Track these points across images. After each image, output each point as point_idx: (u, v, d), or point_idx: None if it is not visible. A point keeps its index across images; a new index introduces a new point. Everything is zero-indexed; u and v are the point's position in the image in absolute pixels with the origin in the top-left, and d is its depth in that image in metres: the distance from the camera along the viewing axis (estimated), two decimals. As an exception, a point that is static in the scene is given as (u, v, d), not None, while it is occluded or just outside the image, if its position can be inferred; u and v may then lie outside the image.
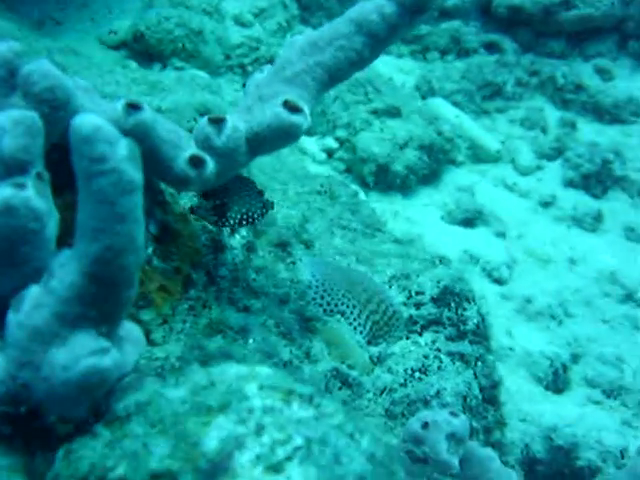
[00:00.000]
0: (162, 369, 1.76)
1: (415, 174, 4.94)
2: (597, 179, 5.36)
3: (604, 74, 6.25)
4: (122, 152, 1.15)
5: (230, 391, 1.22)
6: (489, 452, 1.93)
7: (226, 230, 2.11)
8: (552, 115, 5.95)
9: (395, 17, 1.91)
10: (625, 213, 5.17)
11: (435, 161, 5.09)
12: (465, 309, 2.53)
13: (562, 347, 4.02)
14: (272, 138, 1.82)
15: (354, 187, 4.22)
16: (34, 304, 1.24)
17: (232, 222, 1.96)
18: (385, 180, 4.88)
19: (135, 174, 1.17)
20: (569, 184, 5.38)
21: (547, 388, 3.73)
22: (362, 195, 4.36)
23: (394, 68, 5.89)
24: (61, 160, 1.55)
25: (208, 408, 1.20)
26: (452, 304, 2.51)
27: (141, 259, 1.25)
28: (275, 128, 1.80)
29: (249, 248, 2.18)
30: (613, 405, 3.78)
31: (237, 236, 2.16)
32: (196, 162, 1.75)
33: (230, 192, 1.96)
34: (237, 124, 1.80)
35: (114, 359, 1.22)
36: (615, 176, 5.39)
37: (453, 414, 1.85)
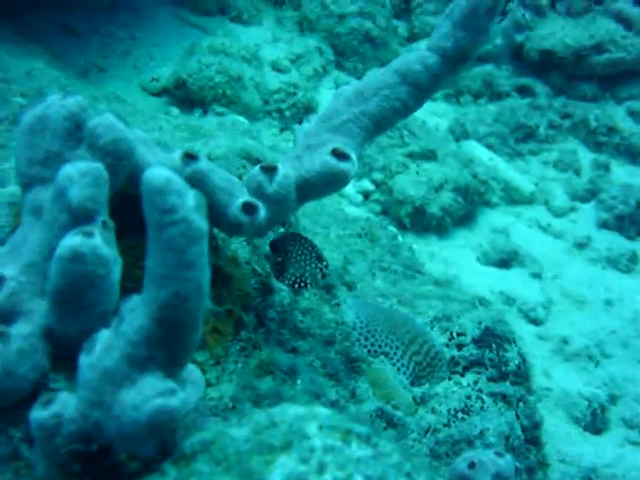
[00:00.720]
0: (216, 409, 1.81)
1: (451, 216, 5.00)
2: (631, 220, 5.39)
3: (637, 117, 6.29)
4: (191, 203, 1.22)
5: (291, 431, 1.27)
6: (534, 493, 1.97)
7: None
8: (585, 157, 6.00)
9: (437, 67, 1.98)
10: (661, 253, 5.20)
11: (470, 203, 5.14)
12: (506, 350, 2.57)
13: (599, 388, 4.04)
14: (321, 185, 1.88)
15: (391, 229, 4.29)
16: (105, 347, 1.30)
17: (287, 282, 2.04)
18: (421, 222, 4.94)
19: (202, 223, 1.23)
20: (603, 225, 5.41)
21: (585, 429, 3.74)
22: (399, 237, 4.42)
23: (427, 111, 5.97)
24: (120, 206, 1.63)
25: (271, 447, 1.25)
26: (493, 345, 2.55)
27: (205, 304, 1.31)
28: (324, 175, 1.87)
29: (295, 291, 2.24)
30: (652, 446, 3.79)
31: (284, 279, 2.21)
32: (249, 209, 1.82)
33: (289, 253, 2.04)
34: (287, 172, 1.87)
35: (181, 399, 1.27)
36: (650, 217, 5.43)
37: (499, 454, 1.89)
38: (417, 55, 1.99)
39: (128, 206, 1.61)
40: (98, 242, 1.43)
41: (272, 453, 1.23)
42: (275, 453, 1.23)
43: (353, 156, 1.88)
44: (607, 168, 5.90)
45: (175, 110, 4.80)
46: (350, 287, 2.64)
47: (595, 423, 3.80)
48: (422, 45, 2.02)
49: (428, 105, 6.13)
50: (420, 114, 5.75)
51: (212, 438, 1.30)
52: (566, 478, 3.31)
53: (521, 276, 4.79)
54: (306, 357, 2.13)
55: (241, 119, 4.63)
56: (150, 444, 1.29)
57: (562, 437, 3.50)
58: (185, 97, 4.99)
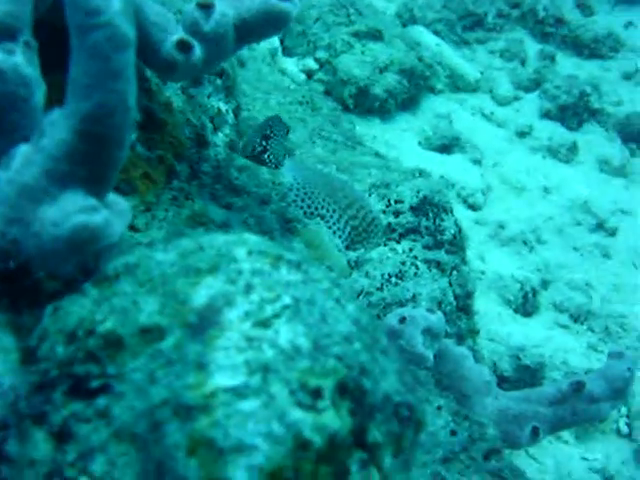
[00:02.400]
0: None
1: (394, 98, 4.91)
2: (574, 111, 5.38)
3: (585, 9, 6.26)
4: (117, 6, 1.14)
5: (219, 254, 1.23)
6: (463, 350, 1.97)
7: (210, 127, 2.11)
8: (532, 48, 5.96)
9: None
10: (600, 145, 5.21)
11: (415, 87, 5.06)
12: (443, 219, 2.55)
13: (533, 272, 4.07)
14: (260, 25, 1.80)
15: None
16: (24, 162, 1.24)
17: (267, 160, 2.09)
18: (364, 103, 4.85)
19: (129, 29, 1.16)
20: (546, 115, 5.40)
21: (516, 311, 3.78)
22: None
23: (376, -6, 5.85)
24: (47, 41, 1.54)
25: (197, 270, 1.21)
26: (430, 214, 2.53)
27: (132, 120, 1.24)
28: (264, 14, 1.79)
29: (232, 147, 2.18)
30: (580, 330, 3.85)
31: (220, 134, 2.15)
32: (183, 47, 1.74)
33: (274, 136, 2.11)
34: (226, 10, 1.78)
35: (104, 217, 1.22)
36: (592, 109, 5.41)
37: (430, 310, 1.88)
38: None
39: (56, 40, 1.52)
40: (20, 60, 1.35)
41: (198, 276, 1.19)
42: (201, 275, 1.19)
43: (294, -4, 1.80)
44: (553, 59, 5.87)
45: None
46: (288, 154, 2.58)
47: (526, 306, 3.84)
48: None
49: (376, -12, 6.04)
50: (367, -2, 5.64)
51: (136, 261, 1.25)
52: (494, 356, 3.35)
53: (461, 162, 4.77)
54: (240, 214, 2.08)
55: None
56: (70, 262, 1.23)
57: (493, 318, 3.53)
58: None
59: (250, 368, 1.07)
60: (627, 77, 5.82)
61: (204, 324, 1.12)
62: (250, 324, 1.11)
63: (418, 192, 2.53)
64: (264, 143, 2.17)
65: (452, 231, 2.55)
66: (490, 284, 3.78)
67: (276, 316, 1.13)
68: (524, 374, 3.38)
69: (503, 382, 3.37)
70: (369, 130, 4.63)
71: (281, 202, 2.20)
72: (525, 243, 4.28)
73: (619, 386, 1.99)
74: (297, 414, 1.05)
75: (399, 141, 4.69)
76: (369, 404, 1.14)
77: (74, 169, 1.23)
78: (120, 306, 1.18)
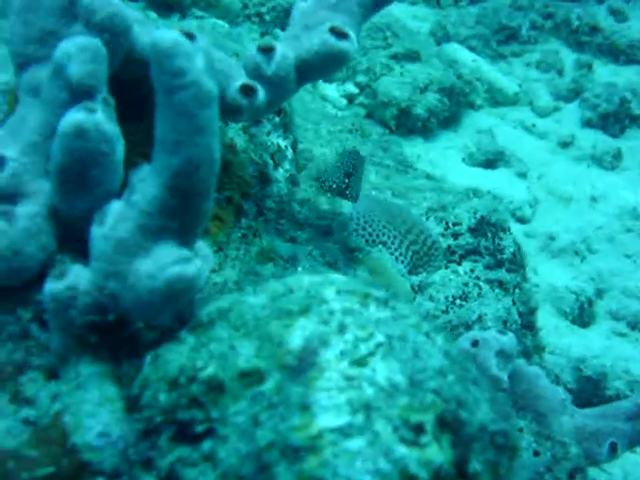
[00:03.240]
0: (221, 293, 1.81)
1: (436, 117, 4.94)
2: (615, 118, 5.39)
3: (618, 15, 6.25)
4: (200, 65, 1.19)
5: (309, 296, 1.27)
6: (536, 370, 1.99)
7: (271, 163, 2.15)
8: (568, 57, 5.97)
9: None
10: (644, 151, 5.21)
11: (455, 104, 5.09)
12: (501, 238, 2.58)
13: (586, 282, 4.08)
14: (320, 64, 1.85)
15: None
16: (118, 217, 1.28)
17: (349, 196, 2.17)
18: (406, 124, 4.88)
19: (212, 86, 1.21)
20: (587, 124, 5.41)
21: (573, 322, 3.79)
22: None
23: (408, 15, 5.88)
24: (115, 91, 1.59)
25: (289, 312, 1.24)
26: (489, 234, 2.56)
27: (217, 171, 1.29)
28: (323, 54, 1.84)
29: (292, 181, 2.23)
30: (638, 337, 3.85)
31: (281, 170, 2.20)
32: (247, 91, 1.79)
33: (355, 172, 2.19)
34: (286, 52, 1.83)
35: (197, 267, 1.26)
36: (633, 115, 5.41)
37: (501, 332, 1.91)
38: None
39: (123, 91, 1.58)
40: (101, 118, 1.40)
41: (291, 318, 1.23)
42: (294, 317, 1.23)
43: (352, 34, 1.85)
44: (590, 67, 5.87)
45: (152, 14, 4.68)
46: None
47: (582, 316, 3.85)
48: None
49: (408, 9, 6.09)
50: (400, 18, 5.67)
51: (229, 306, 1.30)
52: (555, 368, 3.36)
53: (507, 176, 4.79)
54: (305, 247, 2.12)
55: (221, 22, 4.53)
56: (167, 313, 1.28)
57: (550, 330, 3.53)
58: (163, 1, 4.87)
59: (353, 407, 1.10)
60: (666, 80, 5.84)
61: (302, 365, 1.15)
62: (347, 363, 1.14)
63: (475, 213, 2.56)
64: (346, 180, 2.23)
65: (511, 249, 2.58)
66: (545, 296, 3.80)
67: (371, 354, 1.16)
68: (586, 385, 3.39)
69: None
70: (412, 149, 4.66)
71: (343, 232, 2.24)
72: (577, 253, 4.29)
73: (695, 398, 2.00)
74: (402, 450, 1.08)
75: (443, 159, 4.72)
76: (467, 435, 1.17)
77: (166, 223, 1.27)
78: (218, 351, 1.22)
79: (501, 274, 2.50)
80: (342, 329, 1.19)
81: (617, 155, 5.13)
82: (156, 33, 1.18)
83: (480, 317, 2.32)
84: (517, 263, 2.60)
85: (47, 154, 1.49)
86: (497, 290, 2.44)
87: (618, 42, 6.01)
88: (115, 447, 1.22)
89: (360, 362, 1.15)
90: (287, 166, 2.23)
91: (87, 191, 1.44)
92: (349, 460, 1.07)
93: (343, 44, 1.83)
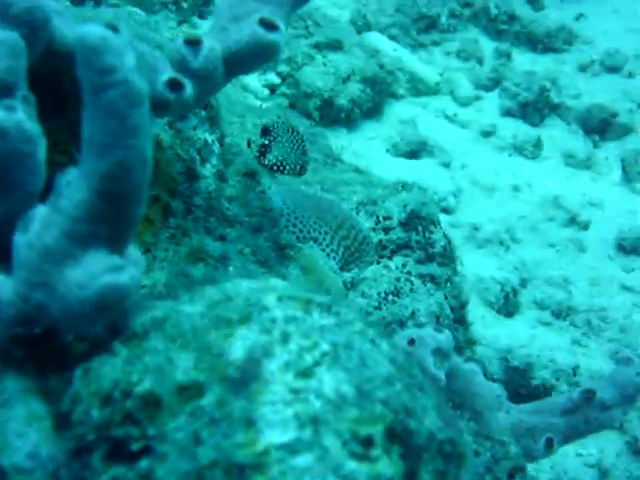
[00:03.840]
0: (151, 296, 1.74)
1: (359, 107, 4.91)
2: (535, 107, 5.43)
3: (535, 3, 6.33)
4: (131, 62, 1.13)
5: (249, 304, 1.22)
6: (473, 366, 1.97)
7: (198, 159, 2.09)
8: (487, 46, 6.00)
9: None
10: (563, 140, 5.26)
11: (378, 94, 5.07)
12: (432, 232, 2.56)
13: (511, 272, 4.10)
14: (249, 57, 1.79)
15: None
16: (43, 224, 1.21)
17: (267, 163, 2.08)
18: (330, 114, 4.85)
19: (143, 84, 1.15)
20: (507, 113, 5.44)
21: (499, 312, 3.81)
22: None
23: (328, 3, 5.83)
24: (32, 86, 1.51)
25: (228, 320, 1.19)
26: (419, 228, 2.53)
27: (149, 174, 1.23)
28: (253, 46, 1.77)
29: (220, 177, 2.16)
30: (563, 326, 3.89)
31: (208, 165, 2.13)
32: (174, 85, 1.72)
33: (278, 138, 2.11)
34: (213, 44, 1.76)
35: (130, 275, 1.20)
36: (552, 104, 5.46)
37: (437, 330, 1.88)
38: None
39: (42, 86, 1.49)
40: (21, 117, 1.31)
41: (231, 327, 1.17)
42: (234, 326, 1.17)
43: (282, 26, 1.79)
44: (509, 56, 5.91)
45: (65, 1, 4.54)
46: (273, 175, 2.56)
47: (508, 306, 3.87)
48: None
49: (327, -4, 6.05)
50: (321, 6, 5.62)
51: (164, 315, 1.24)
52: (483, 360, 3.36)
53: (431, 166, 4.79)
54: (235, 245, 2.06)
55: (137, 10, 4.42)
56: (99, 323, 1.21)
57: (477, 321, 3.54)
58: (76, -12, 4.75)
59: (300, 421, 1.06)
60: (583, 69, 5.90)
61: (245, 378, 1.10)
62: (292, 375, 1.10)
63: (405, 206, 2.53)
64: (304, 158, 2.22)
65: (442, 243, 2.56)
66: (471, 287, 3.80)
67: (317, 364, 1.12)
68: (513, 375, 3.41)
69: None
70: (336, 140, 4.62)
71: (273, 229, 2.19)
72: (501, 243, 4.31)
73: (630, 392, 2.01)
74: (352, 465, 1.04)
75: (367, 150, 4.70)
76: (416, 445, 1.14)
77: (95, 229, 1.20)
78: (154, 364, 1.16)
79: (432, 268, 2.48)
80: (285, 338, 1.14)
81: (537, 144, 5.18)
82: (82, 28, 1.11)
83: (413, 313, 2.30)
84: (448, 256, 2.59)
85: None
86: (429, 285, 2.42)
87: (536, 31, 6.07)
88: (45, 468, 1.15)
89: (306, 373, 1.11)
90: (214, 161, 2.17)
91: (7, 194, 1.36)
92: (297, 477, 1.03)
93: (273, 36, 1.76)
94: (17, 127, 1.30)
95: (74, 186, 1.20)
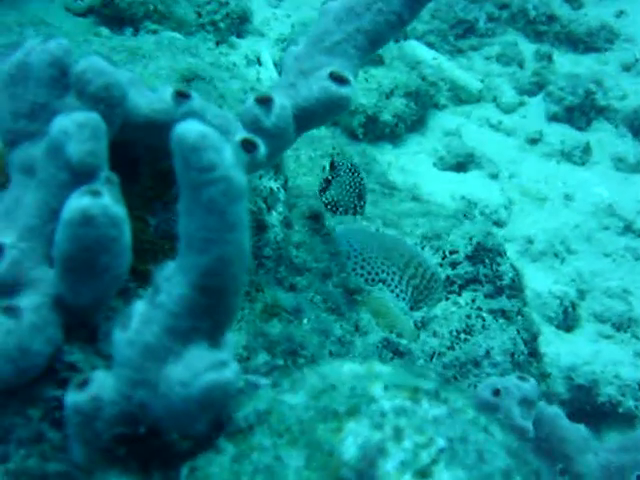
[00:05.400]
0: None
1: (404, 122, 4.86)
2: (581, 111, 5.34)
3: (573, 2, 6.20)
4: (229, 158, 1.10)
5: (355, 394, 1.18)
6: (556, 410, 1.93)
7: (265, 208, 2.06)
8: (527, 48, 5.89)
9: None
10: (612, 143, 5.15)
11: (421, 107, 5.01)
12: (499, 264, 2.51)
13: (568, 285, 4.03)
14: (320, 112, 1.76)
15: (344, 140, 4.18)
16: (143, 320, 1.19)
17: (324, 200, 2.20)
18: (374, 130, 4.80)
19: (242, 180, 1.12)
20: (553, 118, 5.35)
21: (558, 327, 3.75)
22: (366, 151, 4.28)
23: (363, 13, 5.74)
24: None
25: (335, 413, 1.16)
26: (486, 260, 2.49)
27: (248, 265, 1.20)
28: (323, 102, 1.74)
29: (287, 224, 2.13)
30: (624, 338, 3.83)
31: (274, 213, 2.10)
32: (248, 146, 1.69)
33: (338, 177, 2.10)
34: (284, 102, 1.73)
35: (234, 371, 1.17)
36: (598, 106, 5.36)
37: (522, 378, 1.84)
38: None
39: (115, 153, 1.47)
40: (107, 201, 1.29)
41: (338, 419, 1.14)
42: (342, 420, 1.14)
43: (352, 79, 1.75)
44: (550, 58, 5.80)
45: (105, 30, 4.52)
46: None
47: (567, 321, 3.81)
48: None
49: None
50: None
51: (267, 407, 1.21)
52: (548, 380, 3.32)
53: (479, 178, 4.72)
54: (306, 293, 2.04)
55: (177, 35, 4.39)
56: (203, 421, 1.18)
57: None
58: (114, 15, 4.71)
59: (424, 527, 1.03)
60: (627, 68, 5.77)
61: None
62: (409, 475, 1.07)
63: (471, 239, 2.49)
64: (359, 201, 2.22)
65: (510, 274, 2.52)
66: (529, 303, 3.74)
67: (434, 462, 1.08)
68: (579, 393, 3.36)
69: (560, 404, 3.35)
70: (382, 157, 4.57)
71: (342, 273, 2.16)
72: (556, 255, 4.24)
73: None
74: None
75: (414, 165, 4.64)
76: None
77: (196, 323, 1.18)
78: (263, 463, 1.13)
79: (503, 302, 2.43)
80: (398, 434, 1.11)
81: (586, 149, 5.08)
82: (178, 127, 1.09)
83: (488, 352, 2.26)
84: (517, 288, 2.54)
85: (47, 238, 1.39)
86: (501, 320, 2.37)
87: (576, 30, 5.95)
88: None
89: (424, 473, 1.07)
90: (280, 209, 2.14)
91: (95, 278, 1.34)
92: None
93: (344, 90, 1.73)
94: (104, 212, 1.28)
95: (173, 281, 1.17)
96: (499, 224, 4.44)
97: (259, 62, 4.92)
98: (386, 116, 4.77)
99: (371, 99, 4.74)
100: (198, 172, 1.09)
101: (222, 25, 4.92)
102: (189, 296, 1.16)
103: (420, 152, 4.84)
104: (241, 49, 4.97)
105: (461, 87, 5.39)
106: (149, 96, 1.63)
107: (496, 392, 1.82)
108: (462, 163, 4.83)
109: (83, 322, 1.41)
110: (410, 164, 4.64)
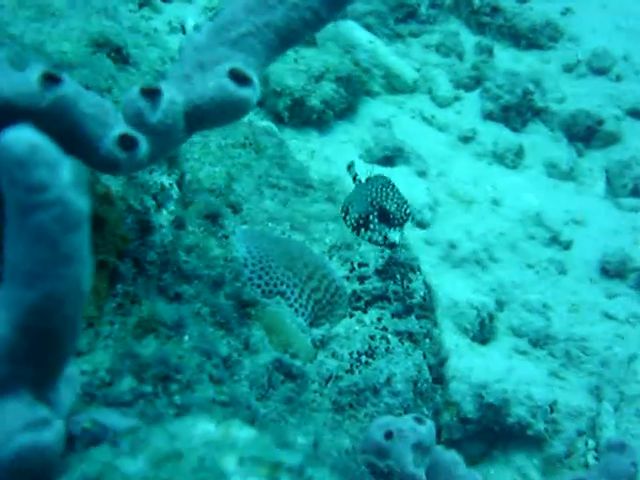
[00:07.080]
0: (90, 386, 1.51)
1: (332, 109, 4.64)
2: (517, 111, 5.16)
3: (520, -5, 6.03)
4: (66, 177, 0.90)
5: (203, 467, 0.99)
6: (454, 456, 1.77)
7: (153, 206, 1.85)
8: (468, 40, 5.70)
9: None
10: (546, 147, 5.00)
11: (352, 94, 4.79)
12: (411, 280, 2.34)
13: (487, 294, 3.87)
14: (215, 113, 1.54)
15: (266, 123, 3.96)
16: (-50, 365, 0.98)
17: (349, 221, 2.15)
18: (300, 115, 4.57)
19: (83, 204, 0.92)
20: (488, 117, 5.17)
21: (474, 339, 3.60)
22: (274, 129, 4.04)
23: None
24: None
25: (177, 491, 0.97)
26: (397, 276, 2.31)
27: (85, 303, 1.00)
28: (220, 102, 1.52)
29: (178, 225, 1.92)
30: (540, 355, 3.69)
31: (164, 212, 1.89)
32: (127, 143, 1.47)
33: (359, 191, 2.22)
34: (174, 96, 1.51)
35: (55, 431, 0.98)
36: (535, 108, 5.19)
37: (418, 420, 1.67)
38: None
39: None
40: None
41: (180, 500, 0.96)
42: (184, 501, 0.96)
43: (255, 79, 1.54)
44: (491, 52, 5.61)
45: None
46: (236, 209, 2.32)
47: (483, 332, 3.66)
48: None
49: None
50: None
51: (97, 474, 1.01)
52: (457, 396, 3.17)
53: (406, 175, 4.52)
54: (192, 304, 1.83)
55: (93, -7, 4.12)
56: (17, 488, 0.99)
57: (451, 350, 3.33)
58: (31, -31, 4.41)
59: None
60: (568, 69, 5.62)
61: None
62: None
63: (383, 251, 2.31)
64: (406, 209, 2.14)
65: (422, 293, 2.34)
66: (445, 311, 3.58)
67: None
68: (487, 412, 3.22)
69: (467, 423, 3.21)
70: (306, 144, 4.36)
71: (236, 282, 1.96)
72: (478, 263, 4.08)
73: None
74: None
75: (339, 155, 4.41)
76: None
77: (17, 371, 0.98)
78: None
79: (411, 323, 2.26)
80: (248, 525, 0.93)
81: (519, 152, 4.92)
82: (6, 134, 0.88)
83: (389, 379, 2.08)
84: (427, 307, 2.37)
85: None
86: (407, 343, 2.20)
87: (520, 25, 5.77)
88: None
89: None
90: (172, 207, 1.93)
91: None
92: None
93: (244, 91, 1.51)
94: None
95: (-9, 319, 0.97)
96: (422, 225, 4.26)
97: (183, 30, 4.68)
98: (314, 101, 4.54)
99: (299, 81, 4.51)
100: (25, 192, 0.89)
101: (146, -15, 4.65)
102: (10, 338, 0.96)
103: (347, 142, 4.63)
104: (165, 14, 4.71)
105: (396, 75, 5.18)
106: (11, 77, 1.40)
107: (388, 434, 1.64)
108: (390, 157, 4.62)
109: None
110: (335, 154, 4.42)
